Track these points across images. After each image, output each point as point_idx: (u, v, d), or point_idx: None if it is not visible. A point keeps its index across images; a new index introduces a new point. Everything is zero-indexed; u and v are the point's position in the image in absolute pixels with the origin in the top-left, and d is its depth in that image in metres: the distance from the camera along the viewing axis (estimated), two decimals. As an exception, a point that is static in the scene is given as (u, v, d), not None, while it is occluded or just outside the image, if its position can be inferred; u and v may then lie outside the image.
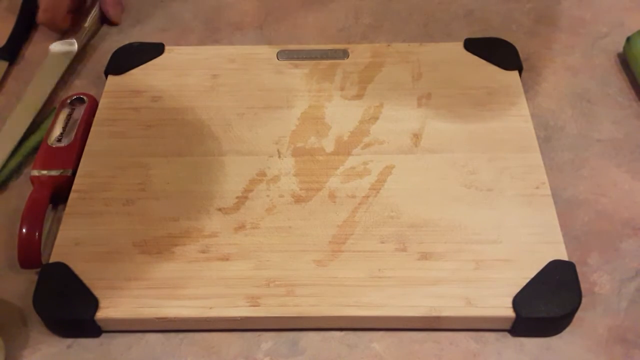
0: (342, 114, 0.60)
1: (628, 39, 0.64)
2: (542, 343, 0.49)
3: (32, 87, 0.64)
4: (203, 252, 0.51)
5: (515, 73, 0.63)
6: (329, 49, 0.65)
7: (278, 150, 0.58)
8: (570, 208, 0.55)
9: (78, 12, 0.69)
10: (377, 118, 0.60)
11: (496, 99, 0.61)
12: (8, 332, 0.49)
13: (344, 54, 0.65)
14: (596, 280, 0.52)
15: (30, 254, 0.51)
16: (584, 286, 0.49)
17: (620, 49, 0.67)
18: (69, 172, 0.56)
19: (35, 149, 0.60)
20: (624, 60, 0.66)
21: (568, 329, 0.49)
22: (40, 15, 0.66)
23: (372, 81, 0.62)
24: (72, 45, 0.67)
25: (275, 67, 0.64)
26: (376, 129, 0.59)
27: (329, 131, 0.58)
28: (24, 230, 0.51)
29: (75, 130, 0.59)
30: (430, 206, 0.53)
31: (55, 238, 0.52)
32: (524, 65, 0.64)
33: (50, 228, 0.55)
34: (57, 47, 0.67)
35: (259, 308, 0.48)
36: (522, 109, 0.60)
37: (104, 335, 0.50)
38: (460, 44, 0.65)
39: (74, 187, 0.55)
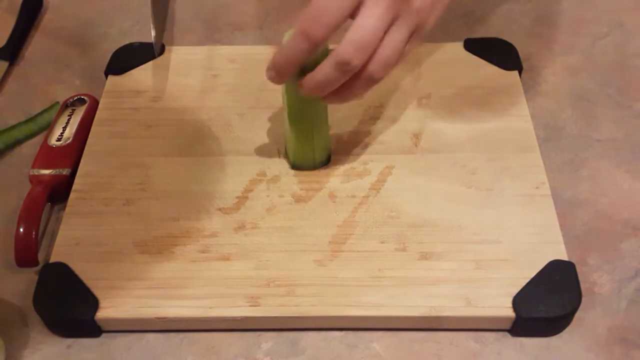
0: (342, 114, 0.60)
1: None
2: (542, 343, 0.49)
3: None
4: (203, 252, 0.51)
5: (515, 73, 0.63)
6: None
7: (278, 150, 0.58)
8: (570, 208, 0.55)
9: None
10: (377, 118, 0.60)
11: (496, 99, 0.61)
12: (8, 332, 0.49)
13: (344, 54, 0.65)
14: (596, 280, 0.52)
15: (26, 252, 0.51)
16: (584, 286, 0.49)
17: (620, 49, 0.68)
18: (66, 172, 0.56)
19: (22, 139, 0.61)
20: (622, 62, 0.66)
21: (568, 329, 0.49)
22: None
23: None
24: None
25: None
26: (376, 129, 0.59)
27: (329, 131, 0.58)
28: (21, 228, 0.51)
29: (75, 130, 0.59)
30: (430, 206, 0.53)
31: (55, 238, 0.52)
32: (524, 65, 0.64)
33: (49, 228, 0.55)
34: None
35: (259, 308, 0.48)
36: (522, 109, 0.60)
37: (104, 335, 0.50)
38: (460, 44, 0.65)
39: (74, 187, 0.55)
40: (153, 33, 0.64)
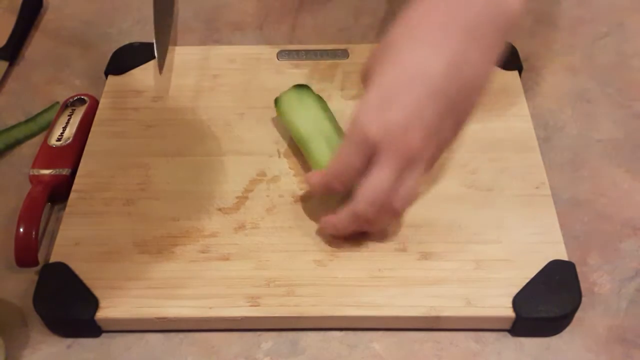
0: (342, 113, 0.60)
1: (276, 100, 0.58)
2: (542, 343, 0.49)
3: None
4: (203, 252, 0.51)
5: (515, 73, 0.63)
6: (329, 49, 0.65)
7: (278, 150, 0.58)
8: (570, 208, 0.55)
9: None
10: (377, 118, 0.60)
11: (496, 99, 0.60)
12: (8, 332, 0.49)
13: (344, 54, 0.65)
14: (596, 280, 0.52)
15: (27, 252, 0.51)
16: (584, 286, 0.49)
17: (620, 49, 0.68)
18: (67, 172, 0.56)
19: (22, 139, 0.61)
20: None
21: (568, 329, 0.49)
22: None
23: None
24: None
25: (275, 67, 0.64)
26: (376, 129, 0.59)
27: (329, 131, 0.58)
28: (21, 228, 0.51)
29: (75, 130, 0.59)
30: (430, 206, 0.53)
31: (55, 238, 0.52)
32: (524, 65, 0.64)
33: (49, 228, 0.55)
34: None
35: (259, 308, 0.48)
36: (522, 109, 0.60)
37: (104, 335, 0.50)
38: (460, 44, 0.65)
39: (74, 187, 0.55)
40: (156, 54, 0.62)
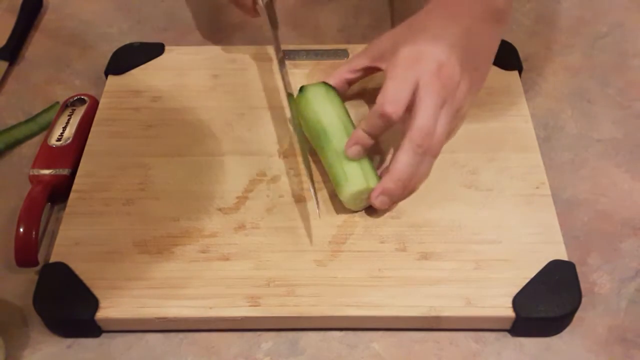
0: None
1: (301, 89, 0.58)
2: (542, 343, 0.49)
3: None
4: (203, 252, 0.51)
5: (515, 73, 0.63)
6: (329, 49, 0.65)
7: (278, 150, 0.58)
8: (570, 208, 0.55)
9: None
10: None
11: (496, 99, 0.61)
12: (8, 332, 0.49)
13: (344, 54, 0.65)
14: (596, 280, 0.52)
15: (27, 252, 0.51)
16: (584, 286, 0.49)
17: (620, 49, 0.68)
18: (66, 172, 0.56)
19: (22, 139, 0.61)
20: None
21: (568, 329, 0.49)
22: None
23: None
24: None
25: (275, 67, 0.64)
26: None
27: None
28: (21, 228, 0.51)
29: (75, 130, 0.59)
30: (430, 206, 0.53)
31: (55, 238, 0.52)
32: (524, 65, 0.64)
33: (49, 228, 0.55)
34: None
35: (259, 308, 0.48)
36: (522, 109, 0.60)
37: (104, 335, 0.50)
38: (460, 44, 0.65)
39: (74, 187, 0.55)
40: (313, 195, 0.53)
